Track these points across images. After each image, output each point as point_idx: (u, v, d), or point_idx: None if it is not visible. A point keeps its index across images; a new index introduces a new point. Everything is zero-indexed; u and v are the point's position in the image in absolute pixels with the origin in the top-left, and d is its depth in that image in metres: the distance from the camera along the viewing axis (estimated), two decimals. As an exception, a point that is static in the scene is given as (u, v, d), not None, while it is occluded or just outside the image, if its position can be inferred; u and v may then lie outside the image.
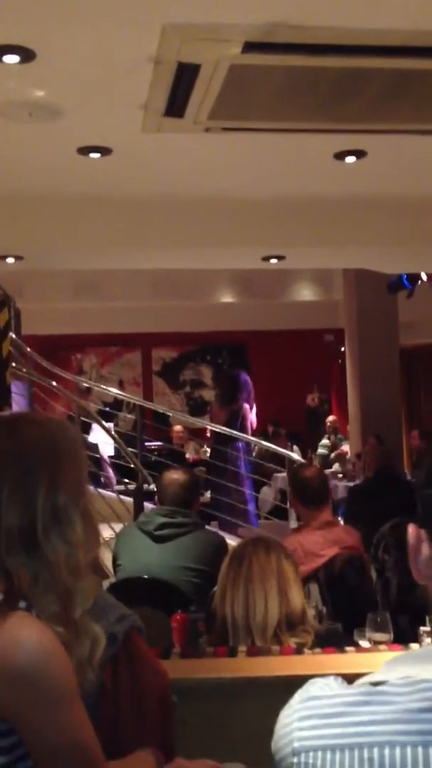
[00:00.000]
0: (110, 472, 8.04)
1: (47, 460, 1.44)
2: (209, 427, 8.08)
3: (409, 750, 0.87)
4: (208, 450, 8.47)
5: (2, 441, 1.47)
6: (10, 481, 1.42)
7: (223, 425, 7.87)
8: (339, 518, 5.74)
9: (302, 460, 7.67)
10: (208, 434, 8.55)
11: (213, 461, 7.99)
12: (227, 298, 12.01)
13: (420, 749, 0.87)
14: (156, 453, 8.82)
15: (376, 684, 0.93)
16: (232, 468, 7.69)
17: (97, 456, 7.77)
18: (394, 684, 0.91)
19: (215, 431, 8.12)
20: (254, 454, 8.88)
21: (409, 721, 0.88)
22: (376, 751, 0.88)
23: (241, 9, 2.90)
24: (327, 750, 0.91)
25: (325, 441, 11.16)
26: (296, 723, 0.94)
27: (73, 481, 1.46)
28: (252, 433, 8.35)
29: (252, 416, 8.36)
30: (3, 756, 1.31)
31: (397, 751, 0.87)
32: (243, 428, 8.11)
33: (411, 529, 1.02)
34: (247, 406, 8.28)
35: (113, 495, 6.93)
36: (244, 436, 7.91)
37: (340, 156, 4.51)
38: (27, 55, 3.19)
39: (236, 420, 8.06)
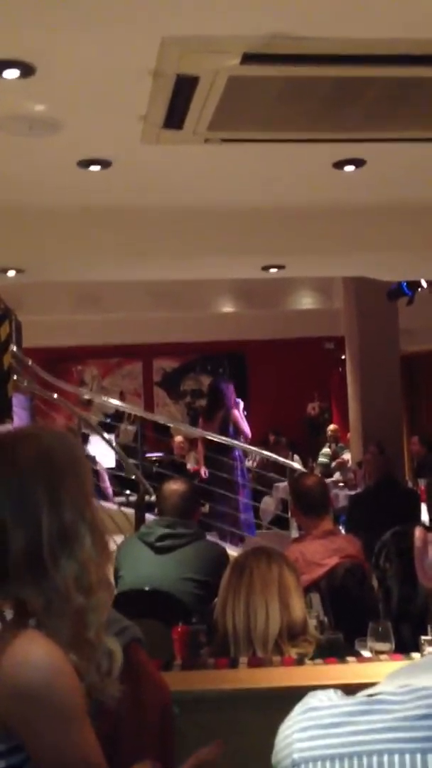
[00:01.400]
0: (107, 483, 8.02)
1: (45, 476, 1.40)
2: (208, 437, 7.98)
3: (407, 757, 0.87)
4: (201, 466, 8.26)
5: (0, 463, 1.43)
6: (10, 504, 1.38)
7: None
8: (340, 527, 5.75)
9: (303, 469, 7.64)
10: (200, 447, 8.33)
11: (211, 471, 7.91)
12: (227, 308, 12.01)
13: (419, 756, 0.87)
14: (157, 464, 8.82)
15: (375, 695, 0.93)
16: (230, 477, 7.65)
17: (95, 468, 7.75)
18: (392, 692, 0.91)
19: (208, 443, 7.97)
20: (251, 462, 8.80)
21: (408, 728, 0.88)
22: (375, 759, 0.88)
23: (239, 21, 2.91)
24: (326, 760, 0.91)
25: (326, 450, 11.14)
26: (296, 734, 0.94)
27: (76, 493, 1.42)
28: (248, 439, 8.25)
29: (242, 419, 8.20)
30: None
31: (396, 758, 0.87)
32: (238, 433, 8.02)
33: (418, 531, 1.03)
34: (236, 411, 8.15)
35: (114, 507, 6.92)
36: (242, 445, 7.85)
37: (339, 165, 4.52)
38: (27, 69, 3.21)
39: (227, 427, 7.96)
